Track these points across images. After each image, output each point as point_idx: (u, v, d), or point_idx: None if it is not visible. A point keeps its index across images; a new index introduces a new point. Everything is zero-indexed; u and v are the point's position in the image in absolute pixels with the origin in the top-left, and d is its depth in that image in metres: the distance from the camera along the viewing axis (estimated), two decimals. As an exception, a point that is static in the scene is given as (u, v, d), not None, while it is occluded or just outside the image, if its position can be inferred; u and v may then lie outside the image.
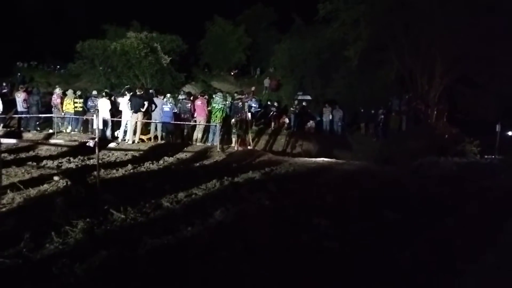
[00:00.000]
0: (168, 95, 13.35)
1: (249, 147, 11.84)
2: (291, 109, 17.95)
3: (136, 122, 11.64)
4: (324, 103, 18.10)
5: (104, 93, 12.82)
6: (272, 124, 17.46)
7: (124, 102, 11.93)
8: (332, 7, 17.85)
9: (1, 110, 12.50)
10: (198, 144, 11.92)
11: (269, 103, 18.72)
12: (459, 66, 14.72)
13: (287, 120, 17.45)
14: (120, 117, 12.25)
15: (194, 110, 12.37)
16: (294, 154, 13.49)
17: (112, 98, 12.97)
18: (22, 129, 13.43)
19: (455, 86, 15.95)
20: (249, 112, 13.08)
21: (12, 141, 9.12)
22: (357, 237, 3.81)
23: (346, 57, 17.33)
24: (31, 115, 13.45)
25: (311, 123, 17.29)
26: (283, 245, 3.63)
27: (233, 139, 11.78)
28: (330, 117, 17.08)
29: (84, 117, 13.16)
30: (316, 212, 4.60)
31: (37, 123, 13.69)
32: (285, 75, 24.27)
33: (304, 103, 18.80)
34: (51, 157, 8.35)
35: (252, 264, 3.24)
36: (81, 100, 13.39)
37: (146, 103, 11.58)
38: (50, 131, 13.31)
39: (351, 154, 13.89)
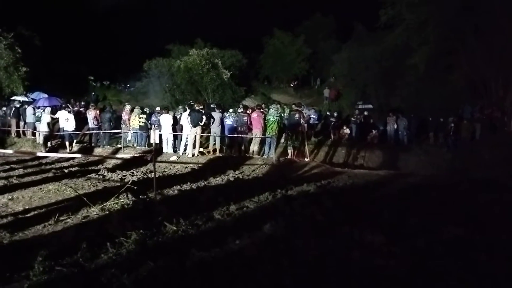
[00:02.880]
0: (231, 110, 13.64)
1: (306, 159, 11.61)
2: (352, 119, 17.39)
3: (195, 136, 12.00)
4: (388, 112, 17.29)
5: (166, 109, 13.44)
6: (332, 135, 17.02)
7: (184, 117, 12.39)
8: (394, 12, 17.21)
9: (74, 127, 13.64)
10: (254, 156, 11.96)
11: (328, 113, 18.33)
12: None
13: (347, 131, 16.88)
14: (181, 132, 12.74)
15: (251, 123, 12.45)
16: (355, 166, 12.95)
17: (174, 114, 13.53)
18: (93, 144, 14.52)
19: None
20: (306, 123, 12.89)
21: (55, 155, 9.87)
22: (413, 255, 3.49)
23: (411, 63, 16.52)
24: (102, 131, 14.53)
25: (374, 133, 16.58)
26: (332, 261, 3.44)
27: (289, 151, 11.66)
28: (395, 127, 16.23)
29: (148, 132, 13.89)
30: (371, 228, 4.32)
31: (106, 139, 14.69)
32: (346, 84, 23.77)
33: (366, 113, 18.10)
34: (116, 171, 8.85)
35: (297, 280, 3.10)
36: (145, 116, 14.14)
37: (204, 117, 11.94)
38: (118, 145, 14.23)
39: (419, 166, 13.04)
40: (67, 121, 13.36)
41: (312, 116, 16.54)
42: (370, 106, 20.49)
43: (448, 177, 9.79)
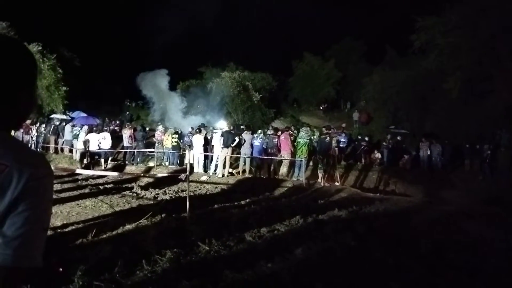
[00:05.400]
0: (259, 131, 13.74)
1: (336, 183, 11.49)
2: (384, 143, 17.08)
3: (225, 157, 12.14)
4: (421, 137, 16.89)
5: (198, 130, 13.69)
6: (363, 159, 16.77)
7: (216, 138, 12.58)
8: (427, 37, 17.08)
9: (110, 145, 14.12)
10: (284, 179, 11.93)
11: (359, 137, 18.10)
12: None
13: (379, 155, 16.59)
14: (212, 152, 12.94)
15: (281, 145, 12.48)
16: (386, 192, 12.66)
17: (206, 134, 13.76)
18: (127, 162, 14.94)
19: None
20: (337, 147, 12.80)
21: (93, 172, 10.21)
22: (452, 286, 3.37)
23: (445, 88, 16.22)
24: (136, 150, 14.96)
25: (406, 158, 16.20)
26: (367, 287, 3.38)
27: (320, 175, 11.56)
28: (428, 152, 15.84)
29: (181, 152, 14.16)
30: (407, 257, 4.21)
31: (139, 157, 15.10)
32: (377, 108, 23.46)
33: (399, 137, 17.74)
34: (149, 189, 9.05)
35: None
36: (177, 136, 14.47)
37: (236, 138, 12.10)
38: (151, 164, 14.56)
39: (454, 193, 12.59)
40: (104, 139, 13.85)
41: (342, 139, 16.40)
42: (404, 131, 20.05)
43: (485, 206, 9.41)
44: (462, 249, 4.68)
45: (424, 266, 3.82)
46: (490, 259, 4.14)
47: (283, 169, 12.38)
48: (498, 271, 3.84)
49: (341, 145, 15.72)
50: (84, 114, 22.17)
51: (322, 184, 11.19)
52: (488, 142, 14.64)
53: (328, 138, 11.62)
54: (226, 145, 11.97)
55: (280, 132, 13.41)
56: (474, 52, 15.01)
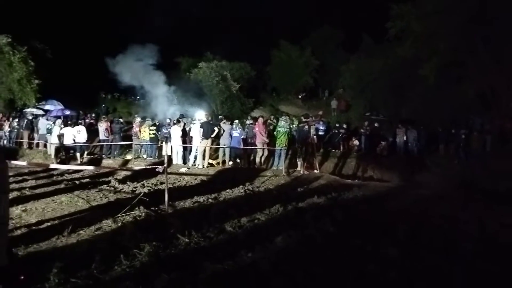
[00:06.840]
0: (237, 121, 13.66)
1: (315, 171, 11.59)
2: (361, 130, 17.31)
3: (205, 147, 12.06)
4: (398, 124, 17.20)
5: (175, 121, 13.51)
6: (341, 146, 16.97)
7: (195, 129, 12.45)
8: (403, 24, 17.27)
9: (86, 138, 13.81)
10: (263, 168, 11.96)
11: (337, 125, 18.27)
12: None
13: (357, 142, 16.82)
14: (191, 143, 12.81)
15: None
16: (364, 178, 12.90)
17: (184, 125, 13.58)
18: (103, 155, 14.66)
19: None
20: (315, 135, 12.88)
21: (68, 167, 9.96)
22: (429, 270, 3.46)
23: (421, 75, 16.50)
24: (112, 143, 14.67)
25: (383, 145, 16.48)
26: (347, 274, 3.42)
27: (299, 163, 11.63)
28: (404, 138, 16.15)
29: (159, 144, 13.95)
30: (385, 241, 4.29)
31: (116, 150, 14.82)
32: (354, 95, 23.73)
33: (376, 124, 17.99)
34: (127, 182, 8.90)
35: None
36: (154, 128, 14.22)
37: (216, 129, 12.01)
38: (128, 157, 14.31)
39: (429, 178, 12.92)
40: (78, 133, 13.54)
41: (321, 127, 16.52)
42: (381, 117, 20.36)
43: (459, 189, 9.68)
44: (439, 233, 4.80)
45: (403, 251, 3.90)
46: (466, 242, 4.26)
47: (259, 158, 12.39)
48: (473, 254, 3.95)
49: (319, 133, 15.84)
50: (57, 103, 21.62)
51: (301, 172, 11.27)
52: (463, 127, 15.03)
53: (306, 127, 11.68)
54: (206, 136, 11.88)
55: (257, 122, 13.38)
56: (449, 39, 15.27)
